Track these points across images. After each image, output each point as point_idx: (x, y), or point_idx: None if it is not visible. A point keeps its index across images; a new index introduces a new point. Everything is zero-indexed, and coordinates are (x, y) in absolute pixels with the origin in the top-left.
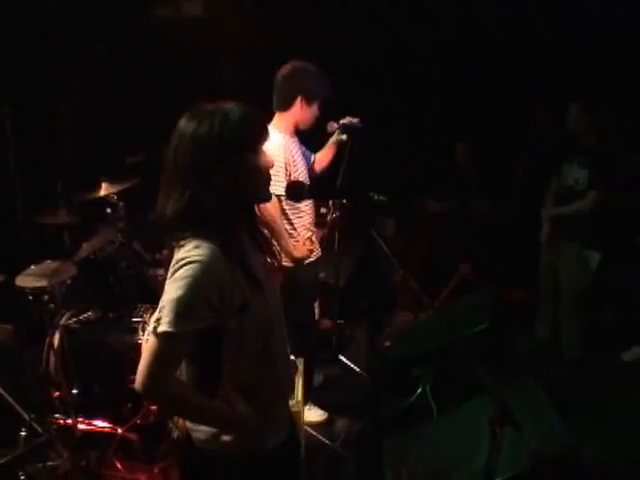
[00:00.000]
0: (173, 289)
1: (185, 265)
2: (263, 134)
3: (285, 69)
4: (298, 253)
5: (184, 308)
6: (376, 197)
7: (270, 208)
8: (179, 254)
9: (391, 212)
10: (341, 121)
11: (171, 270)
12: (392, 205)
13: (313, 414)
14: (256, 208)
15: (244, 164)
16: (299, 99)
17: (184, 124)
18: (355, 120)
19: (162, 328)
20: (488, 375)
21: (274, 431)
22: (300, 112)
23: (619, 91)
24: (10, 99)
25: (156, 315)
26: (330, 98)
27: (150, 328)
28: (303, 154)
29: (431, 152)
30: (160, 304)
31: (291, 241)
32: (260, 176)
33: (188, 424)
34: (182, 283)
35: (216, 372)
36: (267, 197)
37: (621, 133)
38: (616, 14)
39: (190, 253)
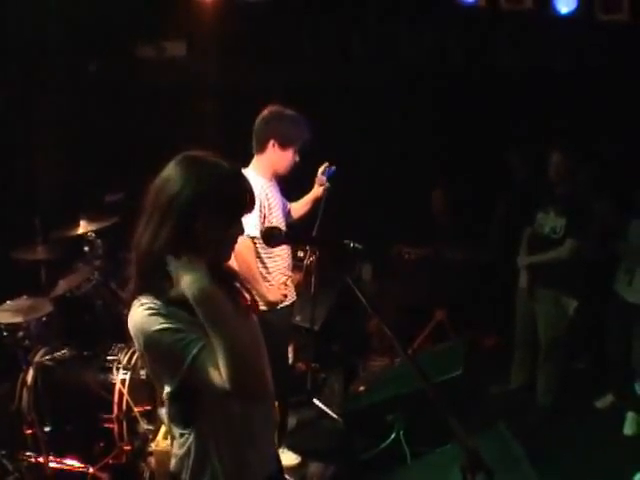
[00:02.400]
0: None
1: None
2: (245, 207)
3: (263, 113)
4: (272, 297)
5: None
6: (352, 245)
7: (244, 251)
8: (140, 314)
9: (368, 258)
10: (325, 168)
11: (137, 330)
12: (369, 252)
13: (287, 458)
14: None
15: (226, 231)
16: (271, 143)
17: (170, 177)
18: (330, 166)
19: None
20: (458, 423)
21: (259, 465)
22: (274, 156)
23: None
24: None
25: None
26: (309, 144)
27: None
28: (280, 199)
29: (408, 199)
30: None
31: (265, 284)
32: (229, 241)
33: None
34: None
35: (195, 404)
36: (227, 259)
37: (593, 180)
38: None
39: (150, 318)
